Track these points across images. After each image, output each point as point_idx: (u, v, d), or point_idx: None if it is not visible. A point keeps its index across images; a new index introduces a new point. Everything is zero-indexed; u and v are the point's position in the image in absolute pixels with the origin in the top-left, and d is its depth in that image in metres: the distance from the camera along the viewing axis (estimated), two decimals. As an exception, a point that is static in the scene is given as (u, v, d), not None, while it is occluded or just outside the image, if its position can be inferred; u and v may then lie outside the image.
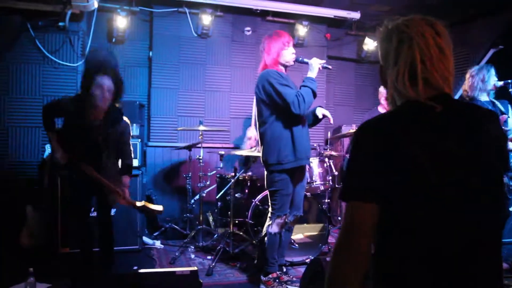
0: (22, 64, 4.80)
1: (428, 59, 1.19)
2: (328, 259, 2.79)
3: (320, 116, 3.58)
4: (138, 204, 3.43)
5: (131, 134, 3.64)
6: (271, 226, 3.48)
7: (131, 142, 3.61)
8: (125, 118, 3.54)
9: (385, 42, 1.29)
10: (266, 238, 3.53)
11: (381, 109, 5.13)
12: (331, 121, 3.64)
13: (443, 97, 1.20)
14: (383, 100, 5.07)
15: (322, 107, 3.65)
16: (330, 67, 3.48)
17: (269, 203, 3.54)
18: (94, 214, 3.78)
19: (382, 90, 5.16)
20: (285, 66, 3.51)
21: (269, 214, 3.54)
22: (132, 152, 3.60)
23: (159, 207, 3.54)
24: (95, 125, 3.31)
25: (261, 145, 3.50)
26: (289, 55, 3.45)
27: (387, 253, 1.17)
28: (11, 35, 4.72)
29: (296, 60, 3.48)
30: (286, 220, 3.49)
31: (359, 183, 1.15)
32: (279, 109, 3.34)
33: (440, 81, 1.20)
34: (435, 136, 1.14)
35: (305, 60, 3.45)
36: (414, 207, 1.11)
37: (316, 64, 3.38)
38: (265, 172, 3.51)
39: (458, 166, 1.13)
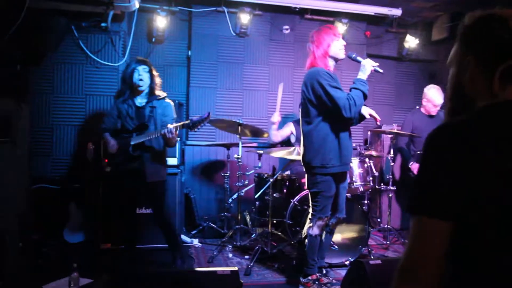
0: (66, 64, 4.93)
1: None
2: (371, 262, 2.72)
3: (367, 116, 3.45)
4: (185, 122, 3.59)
5: (174, 116, 3.85)
6: (311, 228, 3.42)
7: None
8: (168, 100, 3.84)
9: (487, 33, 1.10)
10: (306, 240, 3.47)
11: (424, 110, 4.98)
12: (378, 121, 3.50)
13: None
14: (425, 102, 4.90)
15: (367, 106, 3.52)
16: (381, 71, 3.28)
17: (310, 204, 3.47)
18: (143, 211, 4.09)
19: (427, 91, 4.94)
20: (335, 60, 3.38)
21: (310, 216, 3.47)
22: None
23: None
24: (142, 107, 3.72)
25: (304, 145, 3.39)
26: (339, 46, 3.32)
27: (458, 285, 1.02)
28: (57, 37, 4.85)
29: (349, 56, 3.35)
30: (327, 222, 3.43)
31: (436, 196, 0.98)
32: (327, 111, 3.23)
33: None
34: None
35: (358, 58, 3.30)
36: (500, 233, 0.95)
37: (369, 65, 3.22)
38: (306, 173, 3.45)
39: None
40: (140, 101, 3.77)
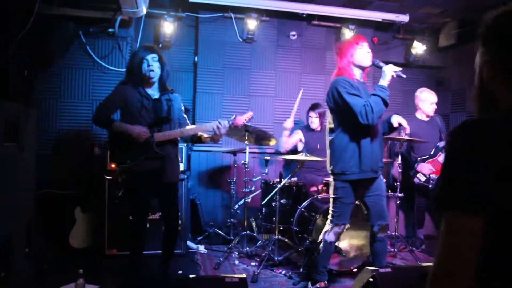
0: (73, 69, 4.94)
1: None
2: (381, 270, 2.68)
3: (396, 125, 3.41)
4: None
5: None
6: (328, 233, 3.42)
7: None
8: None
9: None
10: (320, 245, 3.45)
11: (419, 115, 5.00)
12: (407, 130, 3.49)
13: None
14: (421, 104, 4.94)
15: (398, 114, 3.48)
16: (404, 76, 3.22)
17: (330, 210, 3.46)
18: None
19: (419, 94, 5.00)
20: (362, 68, 3.36)
21: (328, 221, 3.46)
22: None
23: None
24: (155, 99, 3.38)
25: (328, 153, 3.41)
26: (363, 54, 3.29)
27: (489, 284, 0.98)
28: (65, 42, 4.87)
29: (373, 63, 3.31)
30: (344, 229, 3.42)
31: (467, 191, 0.95)
32: (346, 119, 3.23)
33: None
34: None
35: (381, 64, 3.27)
36: None
37: (389, 71, 3.17)
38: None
39: None
40: (151, 92, 3.40)
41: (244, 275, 2.53)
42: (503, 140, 0.95)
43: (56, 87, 4.91)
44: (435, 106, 4.95)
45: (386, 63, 3.29)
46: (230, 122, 3.40)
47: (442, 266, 0.94)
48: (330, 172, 3.39)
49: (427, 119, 4.99)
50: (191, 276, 2.54)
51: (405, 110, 6.48)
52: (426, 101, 4.94)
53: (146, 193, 3.37)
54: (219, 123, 3.35)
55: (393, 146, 5.11)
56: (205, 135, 3.48)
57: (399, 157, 4.74)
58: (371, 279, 2.65)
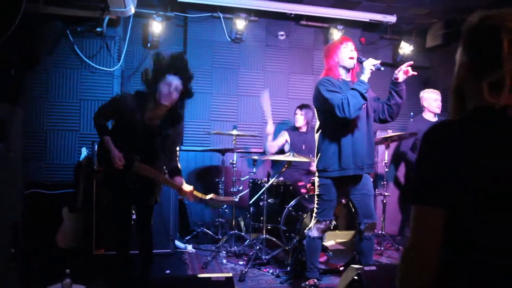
0: (60, 68, 4.92)
1: None
2: (366, 268, 2.72)
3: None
4: (208, 197, 3.26)
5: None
6: (311, 229, 3.50)
7: None
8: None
9: (485, 39, 1.17)
10: (304, 241, 3.54)
11: (426, 115, 5.03)
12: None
13: None
14: (426, 103, 5.00)
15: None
16: (382, 68, 3.25)
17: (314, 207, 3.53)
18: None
19: (423, 95, 5.06)
20: (347, 69, 3.41)
21: (313, 218, 3.53)
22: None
23: (230, 198, 3.54)
24: (153, 124, 3.17)
25: (316, 151, 3.50)
26: (346, 53, 3.34)
27: (449, 268, 1.15)
28: (52, 41, 4.84)
29: (357, 60, 3.35)
30: (328, 226, 3.47)
31: (428, 188, 1.14)
32: (328, 117, 3.31)
33: None
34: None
35: (362, 59, 3.29)
36: (479, 218, 1.10)
37: (368, 65, 3.21)
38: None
39: None
40: (152, 116, 3.18)
41: (230, 274, 2.55)
42: (458, 142, 1.11)
43: (43, 86, 4.88)
44: (439, 103, 4.99)
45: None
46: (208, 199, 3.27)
47: (412, 242, 1.15)
48: (314, 168, 3.48)
49: (434, 118, 5.00)
50: (177, 275, 2.56)
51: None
52: (430, 98, 5.00)
53: (127, 198, 3.30)
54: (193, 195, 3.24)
55: (402, 147, 5.15)
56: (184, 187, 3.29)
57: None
58: (356, 277, 2.69)
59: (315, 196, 3.50)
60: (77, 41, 4.92)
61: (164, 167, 3.29)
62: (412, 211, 1.17)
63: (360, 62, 3.32)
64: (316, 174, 3.47)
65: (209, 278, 2.45)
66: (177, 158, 3.51)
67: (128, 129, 3.14)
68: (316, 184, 3.46)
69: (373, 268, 2.76)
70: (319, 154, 3.41)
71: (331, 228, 3.60)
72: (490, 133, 1.11)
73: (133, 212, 3.42)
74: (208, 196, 3.28)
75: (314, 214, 3.50)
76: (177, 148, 3.55)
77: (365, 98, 3.17)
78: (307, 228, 3.57)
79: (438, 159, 1.12)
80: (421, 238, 1.14)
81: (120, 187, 3.24)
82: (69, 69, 4.93)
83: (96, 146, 3.60)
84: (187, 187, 3.27)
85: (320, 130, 3.44)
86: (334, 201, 3.42)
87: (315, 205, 3.49)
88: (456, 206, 1.10)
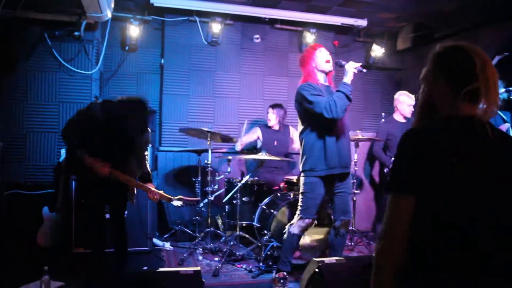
0: (39, 72, 5.02)
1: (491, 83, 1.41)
2: (327, 261, 2.90)
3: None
4: (175, 199, 3.47)
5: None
6: (293, 225, 3.64)
7: None
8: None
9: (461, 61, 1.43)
10: (285, 236, 3.69)
11: (397, 116, 5.20)
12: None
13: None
14: (399, 105, 5.14)
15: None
16: (364, 70, 3.43)
17: (298, 205, 3.66)
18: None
19: (398, 97, 5.19)
20: (325, 72, 3.58)
21: (296, 214, 3.65)
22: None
23: (196, 198, 3.70)
24: (123, 133, 3.34)
25: (300, 153, 3.62)
26: (322, 57, 3.53)
27: (419, 247, 1.36)
28: (30, 45, 4.94)
29: (336, 63, 3.54)
30: (310, 224, 3.63)
31: (403, 179, 1.37)
32: (313, 120, 3.46)
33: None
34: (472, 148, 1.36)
35: (343, 63, 3.46)
36: (447, 204, 1.33)
37: (350, 68, 3.38)
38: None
39: (487, 181, 1.34)
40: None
41: (198, 268, 2.70)
42: (427, 144, 1.35)
43: (22, 89, 4.97)
44: (412, 108, 5.14)
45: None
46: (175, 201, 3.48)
47: (384, 229, 1.37)
48: (300, 169, 3.61)
49: (404, 120, 5.15)
50: (149, 270, 2.70)
51: (365, 110, 6.79)
52: (404, 103, 5.10)
53: (100, 198, 3.44)
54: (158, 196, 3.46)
55: (375, 146, 5.33)
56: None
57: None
58: (317, 270, 2.87)
59: (300, 194, 3.62)
60: (55, 45, 5.02)
61: (136, 173, 3.51)
62: (388, 200, 1.39)
63: (340, 66, 3.51)
64: (302, 174, 3.59)
65: (178, 271, 2.61)
66: (147, 164, 3.70)
67: (99, 138, 3.29)
68: (301, 182, 3.59)
69: (333, 261, 2.95)
70: (305, 156, 3.54)
71: (313, 226, 3.79)
72: (456, 136, 1.37)
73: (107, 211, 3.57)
74: (175, 198, 3.48)
75: (298, 211, 3.63)
76: (146, 153, 3.74)
77: (349, 99, 3.38)
78: (290, 223, 3.70)
79: (413, 156, 1.35)
80: (393, 224, 1.35)
81: (94, 190, 3.39)
82: (47, 73, 5.03)
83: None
84: (157, 190, 3.49)
85: (304, 134, 3.56)
86: (318, 199, 3.55)
87: (299, 203, 3.62)
88: (426, 193, 1.32)
